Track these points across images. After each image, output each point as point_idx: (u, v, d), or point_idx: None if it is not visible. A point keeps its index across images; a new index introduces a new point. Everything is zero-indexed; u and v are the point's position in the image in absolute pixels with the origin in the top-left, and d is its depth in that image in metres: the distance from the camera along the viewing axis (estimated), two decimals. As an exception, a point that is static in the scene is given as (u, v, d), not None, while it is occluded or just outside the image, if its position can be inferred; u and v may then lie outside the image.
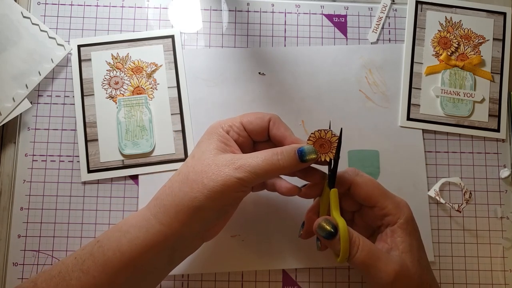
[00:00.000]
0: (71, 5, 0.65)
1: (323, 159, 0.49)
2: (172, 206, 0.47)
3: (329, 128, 0.50)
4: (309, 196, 0.53)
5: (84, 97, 0.63)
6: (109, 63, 0.63)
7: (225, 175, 0.45)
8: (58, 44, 0.63)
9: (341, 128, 0.50)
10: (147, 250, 0.47)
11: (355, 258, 0.46)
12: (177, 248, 0.49)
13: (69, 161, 0.62)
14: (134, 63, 0.64)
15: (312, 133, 0.49)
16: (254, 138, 0.53)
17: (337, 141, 0.49)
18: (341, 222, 0.47)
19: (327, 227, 0.47)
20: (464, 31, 0.67)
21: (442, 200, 0.62)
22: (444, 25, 0.67)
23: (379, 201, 0.50)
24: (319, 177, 0.51)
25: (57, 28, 0.64)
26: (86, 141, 0.62)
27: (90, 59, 0.63)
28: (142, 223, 0.47)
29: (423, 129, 0.65)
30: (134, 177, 0.62)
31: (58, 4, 0.65)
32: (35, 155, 0.62)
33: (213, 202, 0.46)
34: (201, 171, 0.47)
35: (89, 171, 0.61)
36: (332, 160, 0.50)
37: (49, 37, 0.63)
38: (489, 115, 0.66)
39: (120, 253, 0.46)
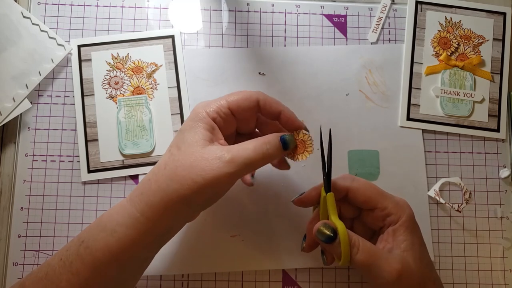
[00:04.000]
0: (71, 5, 0.65)
1: (299, 159, 0.50)
2: (161, 203, 0.45)
3: (320, 133, 0.51)
4: (306, 204, 0.53)
5: (84, 97, 0.63)
6: (109, 63, 0.63)
7: (216, 171, 0.45)
8: (58, 44, 0.63)
9: (330, 129, 0.51)
10: (138, 246, 0.46)
11: (356, 259, 0.46)
12: (165, 236, 0.49)
13: (69, 161, 0.62)
14: (134, 63, 0.64)
15: (296, 132, 0.51)
16: (240, 118, 0.52)
17: (310, 140, 0.51)
18: (340, 225, 0.47)
19: (326, 231, 0.47)
20: (464, 31, 0.67)
21: (442, 200, 0.62)
22: (444, 25, 0.67)
23: (379, 202, 0.50)
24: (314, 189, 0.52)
25: (57, 28, 0.64)
26: (86, 141, 0.62)
27: (90, 59, 0.63)
28: (129, 220, 0.46)
29: (423, 129, 0.65)
30: (134, 177, 0.62)
31: (58, 4, 0.65)
32: (35, 155, 0.62)
33: (203, 196, 0.46)
34: (190, 166, 0.45)
35: (89, 171, 0.61)
36: (326, 165, 0.51)
37: (49, 37, 0.63)
38: (489, 115, 0.66)
39: (110, 253, 0.45)
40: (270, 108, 0.51)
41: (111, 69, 0.63)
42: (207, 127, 0.48)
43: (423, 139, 0.65)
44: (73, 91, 0.63)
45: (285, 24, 0.67)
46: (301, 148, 0.50)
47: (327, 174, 0.50)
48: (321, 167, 0.51)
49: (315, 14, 0.67)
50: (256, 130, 0.56)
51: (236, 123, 0.53)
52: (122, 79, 0.63)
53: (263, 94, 0.52)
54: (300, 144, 0.50)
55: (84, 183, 0.61)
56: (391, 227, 0.50)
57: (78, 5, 0.65)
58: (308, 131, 0.52)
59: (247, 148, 0.46)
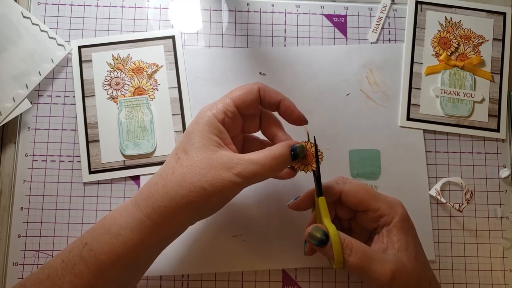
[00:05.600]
0: (71, 5, 0.65)
1: (306, 172, 0.51)
2: (169, 208, 0.45)
3: (308, 138, 0.51)
4: (301, 208, 0.53)
5: (85, 98, 0.63)
6: (110, 64, 0.63)
7: (225, 181, 0.45)
8: (58, 44, 0.63)
9: (314, 137, 0.51)
10: (142, 249, 0.46)
11: (350, 262, 0.46)
12: (169, 240, 0.49)
13: (69, 161, 0.62)
14: (135, 64, 0.64)
15: (305, 142, 0.51)
16: (246, 115, 0.52)
17: (319, 150, 0.51)
18: (331, 228, 0.48)
19: (317, 234, 0.48)
20: (464, 31, 0.67)
21: (443, 200, 0.62)
22: (444, 25, 0.67)
23: (371, 204, 0.51)
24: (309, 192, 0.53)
25: (57, 28, 0.64)
26: (88, 142, 0.62)
27: (90, 60, 0.63)
28: (134, 224, 0.46)
29: (423, 129, 0.65)
30: (135, 177, 0.62)
31: (58, 4, 0.65)
32: (35, 155, 0.62)
33: (211, 203, 0.46)
34: (199, 173, 0.45)
35: (91, 172, 0.61)
36: (316, 171, 0.51)
37: (49, 37, 0.63)
38: (489, 115, 0.66)
39: (114, 255, 0.45)
40: (269, 97, 0.51)
41: (112, 69, 0.63)
42: (215, 131, 0.48)
43: (424, 139, 0.65)
44: (73, 91, 0.63)
45: (285, 24, 0.67)
46: (310, 158, 0.51)
47: (317, 178, 0.51)
48: (316, 170, 0.51)
49: (315, 14, 0.67)
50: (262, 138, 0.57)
51: (242, 121, 0.52)
52: (123, 79, 0.63)
53: (263, 84, 0.52)
54: (308, 154, 0.51)
55: (84, 183, 0.61)
56: (385, 228, 0.50)
57: (78, 5, 0.65)
58: (307, 122, 0.53)
59: (256, 162, 0.46)
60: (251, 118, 0.53)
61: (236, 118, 0.51)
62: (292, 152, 0.49)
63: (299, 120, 0.52)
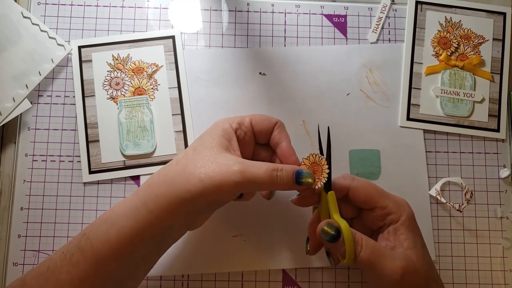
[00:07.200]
0: (71, 5, 0.65)
1: (316, 186, 0.49)
2: (165, 196, 0.46)
3: (318, 132, 0.52)
4: (305, 204, 0.53)
5: (85, 98, 0.63)
6: (110, 64, 0.63)
7: (224, 176, 0.45)
8: (58, 44, 0.63)
9: (328, 127, 0.51)
10: (136, 239, 0.46)
11: (360, 257, 0.46)
12: (165, 236, 0.49)
13: (69, 161, 0.62)
14: (135, 64, 0.64)
15: (305, 158, 0.50)
16: (258, 139, 0.54)
17: (327, 166, 0.50)
18: (343, 223, 0.47)
19: (330, 230, 0.47)
20: (464, 31, 0.67)
21: (443, 200, 0.62)
22: (444, 25, 0.67)
23: (379, 201, 0.50)
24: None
25: (57, 28, 0.64)
26: (88, 142, 0.62)
27: (90, 60, 0.63)
28: (130, 211, 0.46)
29: (423, 129, 0.65)
30: (135, 177, 0.62)
31: (58, 4, 0.65)
32: (35, 155, 0.62)
33: (205, 198, 0.46)
34: (200, 166, 0.46)
35: (91, 172, 0.61)
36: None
37: (49, 37, 0.63)
38: (489, 115, 0.66)
39: (109, 244, 0.46)
40: (278, 133, 0.53)
41: (112, 69, 0.63)
42: (226, 136, 0.50)
43: (424, 139, 0.65)
44: (73, 91, 0.63)
45: (285, 24, 0.67)
46: (318, 172, 0.50)
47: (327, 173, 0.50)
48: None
49: (315, 14, 0.67)
50: None
51: (253, 145, 0.54)
52: (123, 79, 0.63)
53: (283, 123, 0.54)
54: (318, 169, 0.50)
55: (84, 183, 0.61)
56: (391, 226, 0.50)
57: (78, 5, 0.65)
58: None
59: (259, 167, 0.46)
60: (263, 147, 0.55)
61: (249, 135, 0.52)
62: (296, 177, 0.48)
63: (294, 164, 0.52)
